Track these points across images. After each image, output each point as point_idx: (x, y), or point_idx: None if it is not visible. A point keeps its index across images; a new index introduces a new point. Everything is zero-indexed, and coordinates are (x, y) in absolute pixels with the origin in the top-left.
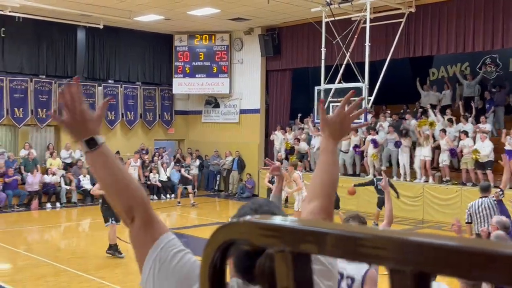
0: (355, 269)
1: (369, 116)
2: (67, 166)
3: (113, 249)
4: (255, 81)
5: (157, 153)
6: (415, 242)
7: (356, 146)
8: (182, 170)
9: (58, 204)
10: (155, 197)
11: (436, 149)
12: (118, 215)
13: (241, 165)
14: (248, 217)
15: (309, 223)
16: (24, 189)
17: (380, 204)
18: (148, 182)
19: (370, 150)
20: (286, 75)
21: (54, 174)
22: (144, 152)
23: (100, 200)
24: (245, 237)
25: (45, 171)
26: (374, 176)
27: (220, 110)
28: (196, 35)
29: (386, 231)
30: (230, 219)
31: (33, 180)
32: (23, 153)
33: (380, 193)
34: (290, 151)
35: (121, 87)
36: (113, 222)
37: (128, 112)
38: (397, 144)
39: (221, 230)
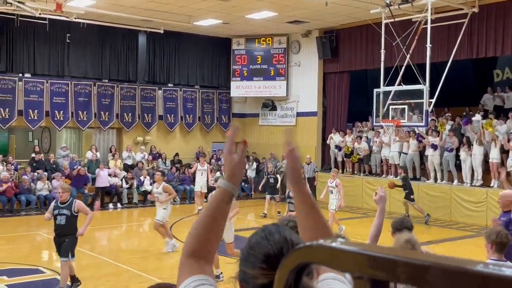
0: None
1: (429, 119)
2: (127, 168)
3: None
4: (312, 84)
5: (215, 156)
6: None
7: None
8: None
9: (119, 205)
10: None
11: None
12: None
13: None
14: (321, 241)
15: (389, 251)
16: (91, 189)
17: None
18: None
19: (430, 153)
20: (343, 78)
21: (116, 175)
22: (201, 155)
23: (70, 237)
24: (320, 261)
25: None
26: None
27: (277, 112)
28: (253, 38)
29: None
30: (241, 251)
31: (103, 175)
32: (89, 155)
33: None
34: (349, 154)
35: (180, 91)
36: (72, 258)
37: (187, 115)
38: (450, 149)
39: (295, 253)
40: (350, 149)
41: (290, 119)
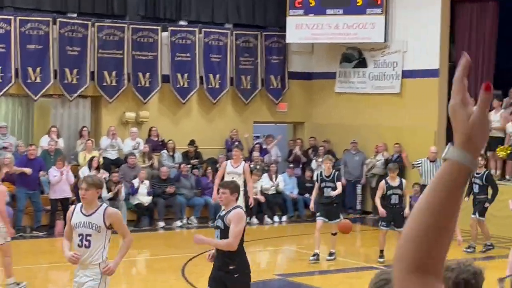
0: None
1: None
2: (109, 164)
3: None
4: (431, 22)
5: (257, 146)
6: None
7: None
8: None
9: None
10: (254, 219)
11: None
12: None
13: (402, 168)
14: None
15: None
16: (45, 202)
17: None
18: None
19: None
20: (487, 10)
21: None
22: (235, 145)
23: None
24: None
25: (75, 171)
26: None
27: (367, 72)
28: None
29: None
30: None
31: (68, 177)
32: (44, 142)
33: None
34: (495, 143)
35: (200, 33)
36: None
37: (211, 76)
38: None
39: None
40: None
41: (391, 82)
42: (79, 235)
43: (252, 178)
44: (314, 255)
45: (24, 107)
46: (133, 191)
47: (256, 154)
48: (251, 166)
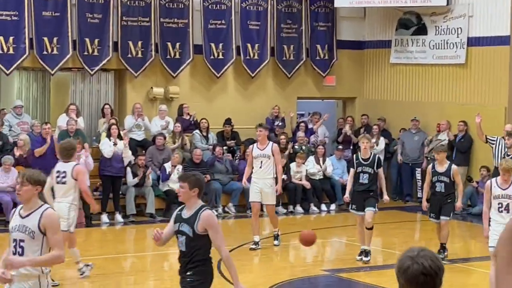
0: None
1: None
2: (135, 147)
3: None
4: None
5: (302, 126)
6: None
7: None
8: None
9: (119, 217)
10: (299, 208)
11: None
12: None
13: (468, 150)
14: None
15: None
16: None
17: None
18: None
19: None
20: None
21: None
22: (278, 123)
23: None
24: None
25: (97, 155)
26: None
27: (427, 39)
28: None
29: None
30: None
31: (90, 163)
32: (62, 121)
33: None
34: None
35: None
36: None
37: (249, 46)
38: None
39: None
40: None
41: (454, 51)
42: (14, 240)
43: (297, 161)
44: (361, 253)
45: (40, 83)
46: (164, 177)
47: (300, 134)
48: (295, 147)
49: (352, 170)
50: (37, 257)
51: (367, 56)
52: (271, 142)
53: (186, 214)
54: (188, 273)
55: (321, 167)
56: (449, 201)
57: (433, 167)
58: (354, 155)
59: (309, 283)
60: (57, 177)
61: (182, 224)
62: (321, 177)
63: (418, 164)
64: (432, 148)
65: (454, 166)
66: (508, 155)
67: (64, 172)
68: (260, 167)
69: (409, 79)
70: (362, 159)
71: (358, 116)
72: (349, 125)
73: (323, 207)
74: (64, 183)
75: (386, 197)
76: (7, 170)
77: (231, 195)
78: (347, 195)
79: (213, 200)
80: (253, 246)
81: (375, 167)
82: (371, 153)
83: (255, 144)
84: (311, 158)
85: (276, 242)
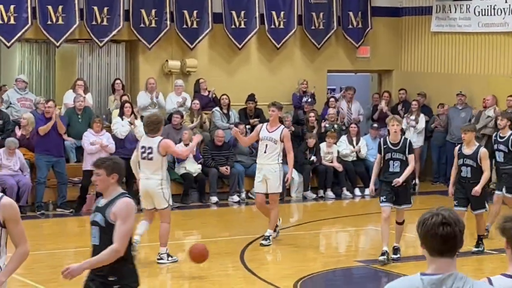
0: None
1: None
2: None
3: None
4: None
5: (332, 101)
6: None
7: None
8: None
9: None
10: (330, 193)
11: None
12: None
13: None
14: None
15: None
16: (73, 172)
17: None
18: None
19: None
20: None
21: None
22: (307, 99)
23: None
24: None
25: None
26: None
27: (472, 5)
28: None
29: None
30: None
31: (97, 148)
32: (69, 98)
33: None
34: None
35: None
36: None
37: (274, 14)
38: None
39: None
40: None
41: (502, 18)
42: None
43: (327, 141)
44: (383, 253)
45: (44, 56)
46: (178, 159)
47: (331, 111)
48: (326, 126)
49: (378, 156)
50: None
51: (405, 24)
52: (282, 126)
53: (102, 202)
54: (101, 273)
55: (354, 147)
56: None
57: (460, 148)
58: (382, 139)
59: (342, 275)
60: (143, 152)
61: (96, 213)
62: (355, 158)
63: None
64: (483, 126)
65: (482, 149)
66: None
67: (150, 148)
68: (265, 152)
69: (452, 49)
70: (391, 143)
71: (395, 90)
72: (385, 101)
73: (357, 191)
74: (150, 159)
75: (372, 187)
76: (11, 153)
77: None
78: (372, 186)
79: (235, 185)
80: (265, 242)
81: (406, 153)
82: (401, 136)
83: (264, 124)
84: (344, 138)
85: (265, 242)
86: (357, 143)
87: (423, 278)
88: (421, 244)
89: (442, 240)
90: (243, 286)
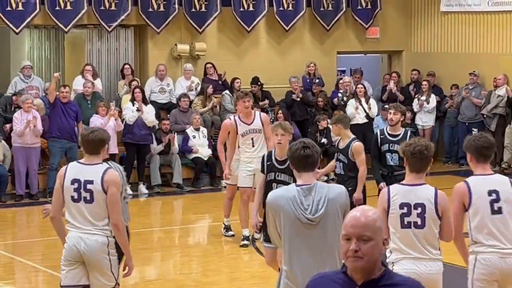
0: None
1: None
2: (159, 110)
3: None
4: None
5: (343, 85)
6: None
7: None
8: None
9: (143, 189)
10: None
11: None
12: None
13: None
14: None
15: None
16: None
17: None
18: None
19: None
20: None
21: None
22: (316, 80)
23: None
24: None
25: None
26: None
27: None
28: None
29: None
30: None
31: (110, 127)
32: (79, 84)
33: None
34: None
35: None
36: None
37: None
38: None
39: None
40: None
41: None
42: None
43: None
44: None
45: (53, 41)
46: (185, 141)
47: (346, 79)
48: (339, 94)
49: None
50: None
51: (415, 4)
52: (257, 112)
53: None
54: None
55: (363, 109)
56: None
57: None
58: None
59: None
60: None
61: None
62: (365, 120)
63: (475, 124)
64: (495, 105)
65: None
66: None
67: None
68: (253, 145)
69: (462, 29)
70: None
71: (405, 71)
72: (394, 81)
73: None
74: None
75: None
76: (28, 110)
77: None
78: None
79: None
80: (245, 242)
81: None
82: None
83: (236, 119)
84: (351, 101)
85: (245, 242)
86: (366, 103)
87: (298, 188)
88: (290, 164)
89: (304, 158)
90: (256, 268)
